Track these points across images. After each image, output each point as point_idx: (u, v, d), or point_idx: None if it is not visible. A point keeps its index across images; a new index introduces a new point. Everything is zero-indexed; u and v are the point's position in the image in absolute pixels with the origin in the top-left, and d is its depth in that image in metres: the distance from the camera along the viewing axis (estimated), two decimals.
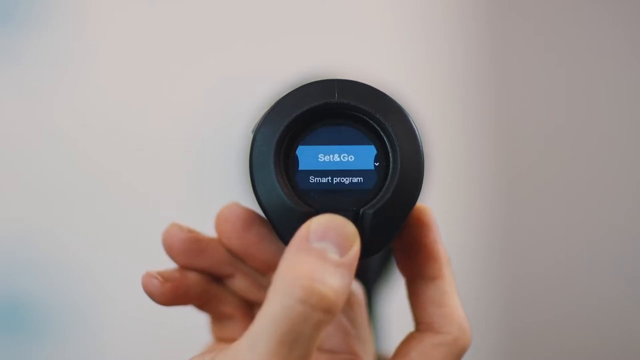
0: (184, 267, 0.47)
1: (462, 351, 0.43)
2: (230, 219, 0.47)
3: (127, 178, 1.13)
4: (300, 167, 0.42)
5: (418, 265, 0.44)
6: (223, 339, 0.48)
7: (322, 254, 0.38)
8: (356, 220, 0.41)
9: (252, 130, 0.42)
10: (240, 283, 0.48)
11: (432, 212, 0.44)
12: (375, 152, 0.42)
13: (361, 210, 0.41)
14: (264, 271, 0.48)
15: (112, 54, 1.13)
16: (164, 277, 0.46)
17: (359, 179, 0.42)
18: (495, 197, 1.42)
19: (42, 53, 1.09)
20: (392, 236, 0.42)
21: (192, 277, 0.47)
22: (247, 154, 0.42)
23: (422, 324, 0.43)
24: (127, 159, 1.13)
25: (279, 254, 0.47)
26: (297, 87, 0.42)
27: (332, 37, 1.27)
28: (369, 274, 0.67)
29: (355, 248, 0.39)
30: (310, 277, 0.37)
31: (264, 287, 0.48)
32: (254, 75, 1.17)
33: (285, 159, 0.42)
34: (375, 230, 0.41)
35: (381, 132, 0.42)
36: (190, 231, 0.47)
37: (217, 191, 1.15)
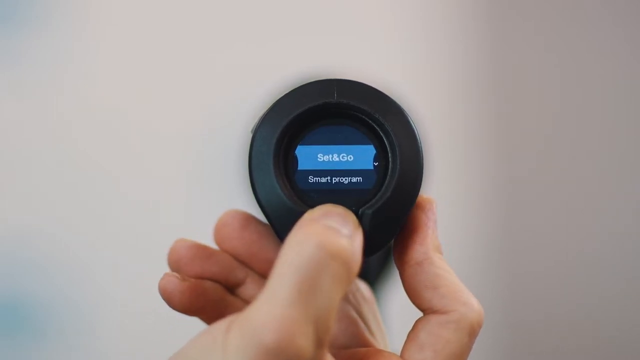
0: (195, 277, 0.47)
1: (472, 326, 0.41)
2: (227, 222, 0.47)
3: (127, 178, 1.13)
4: (300, 167, 0.42)
5: (405, 252, 0.43)
6: None
7: (330, 225, 0.38)
8: None
9: (252, 130, 0.42)
10: (251, 290, 0.48)
11: (431, 203, 0.43)
12: (374, 152, 0.42)
13: (360, 210, 0.41)
14: (270, 273, 0.48)
15: (112, 54, 1.13)
16: (182, 277, 0.46)
17: (358, 178, 0.42)
18: (495, 197, 1.42)
19: (42, 53, 1.09)
20: (391, 236, 0.42)
21: (209, 283, 0.47)
22: (247, 154, 0.42)
23: (425, 310, 0.42)
24: (127, 159, 1.13)
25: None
26: (296, 86, 0.42)
27: (332, 37, 1.27)
28: (369, 274, 0.66)
29: (359, 235, 0.39)
30: (325, 233, 0.36)
31: None
32: (254, 75, 1.17)
33: (285, 159, 0.42)
34: (374, 229, 0.41)
35: (380, 132, 0.42)
36: (195, 241, 0.47)
37: (217, 191, 1.15)
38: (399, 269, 0.44)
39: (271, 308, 0.35)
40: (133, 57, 1.14)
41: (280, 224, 0.41)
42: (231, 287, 0.48)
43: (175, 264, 0.47)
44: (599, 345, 1.34)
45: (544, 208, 1.40)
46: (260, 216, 0.43)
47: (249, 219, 0.47)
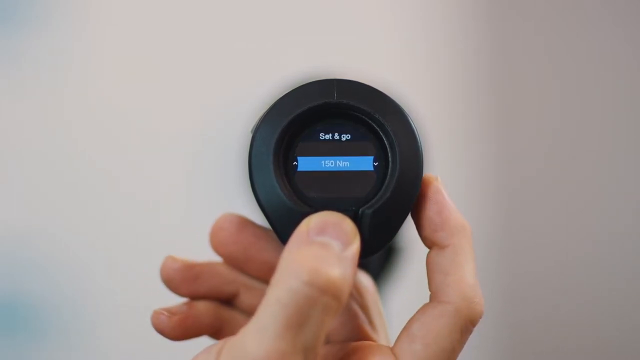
0: (188, 297, 0.48)
1: (466, 322, 0.40)
2: (223, 226, 0.48)
3: (127, 178, 1.13)
4: (300, 167, 0.42)
5: (429, 236, 0.42)
6: None
7: (324, 245, 0.38)
8: (355, 220, 0.40)
9: (251, 130, 0.42)
10: (247, 298, 0.48)
11: (438, 181, 0.43)
12: (374, 152, 0.42)
13: (360, 210, 0.41)
14: (267, 276, 0.48)
15: (112, 54, 1.13)
16: (171, 311, 0.46)
17: (358, 178, 0.42)
18: (495, 196, 1.42)
19: (42, 53, 1.09)
20: (391, 236, 0.41)
21: (201, 306, 0.47)
22: (247, 154, 0.42)
23: (431, 294, 0.42)
24: (127, 159, 1.13)
25: (278, 252, 0.47)
26: (296, 87, 0.42)
27: (332, 37, 1.27)
28: (368, 274, 0.66)
29: (355, 244, 0.39)
30: (316, 262, 0.36)
31: None
32: (254, 75, 1.17)
33: (285, 159, 0.42)
34: (374, 230, 0.41)
35: (380, 132, 0.42)
36: (184, 260, 0.48)
37: (217, 191, 1.15)
38: (425, 246, 0.43)
39: (262, 340, 0.36)
40: (133, 57, 1.14)
41: (280, 224, 0.41)
42: (226, 300, 0.49)
43: (167, 283, 0.48)
44: (599, 345, 1.34)
45: (544, 208, 1.40)
46: (259, 217, 0.43)
47: (245, 222, 0.48)
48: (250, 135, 0.42)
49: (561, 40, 1.38)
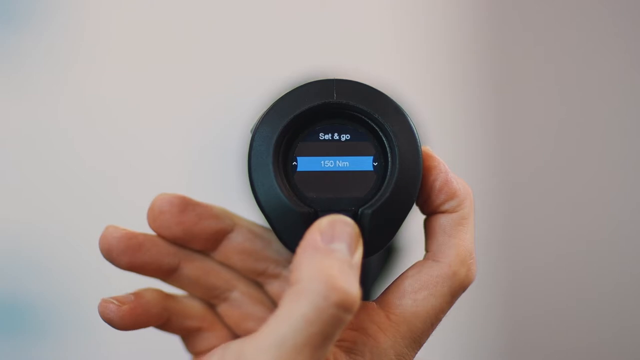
0: (127, 268, 0.47)
1: (459, 286, 0.41)
2: (164, 209, 0.47)
3: (127, 178, 1.13)
4: (299, 167, 0.42)
5: (439, 206, 0.43)
6: (201, 353, 0.48)
7: (339, 255, 0.38)
8: (355, 220, 0.40)
9: (251, 130, 0.42)
10: (188, 270, 0.48)
11: (432, 152, 0.43)
12: (373, 152, 0.42)
13: (360, 210, 0.41)
14: (209, 248, 0.48)
15: (112, 54, 1.13)
16: (120, 300, 0.46)
17: (358, 179, 0.42)
18: (495, 196, 1.42)
19: (42, 53, 1.09)
20: (391, 236, 0.42)
21: (148, 295, 0.47)
22: (247, 154, 0.42)
23: (428, 252, 0.43)
24: (127, 159, 1.13)
25: (221, 227, 0.47)
26: (295, 86, 0.42)
27: (332, 37, 1.27)
28: (368, 274, 0.66)
29: (361, 248, 0.39)
30: (340, 280, 0.37)
31: (213, 269, 0.48)
32: (254, 75, 1.17)
33: (284, 159, 0.42)
34: (374, 230, 0.41)
35: (380, 132, 0.42)
36: (126, 230, 0.47)
37: (217, 191, 1.15)
38: (427, 215, 0.43)
39: (276, 354, 0.36)
40: (133, 57, 1.14)
41: (280, 224, 0.41)
42: (165, 274, 0.48)
43: (106, 253, 0.47)
44: (599, 345, 1.34)
45: (544, 207, 1.40)
46: (259, 217, 0.43)
47: (186, 202, 0.47)
48: (250, 135, 0.42)
49: (561, 41, 1.38)
